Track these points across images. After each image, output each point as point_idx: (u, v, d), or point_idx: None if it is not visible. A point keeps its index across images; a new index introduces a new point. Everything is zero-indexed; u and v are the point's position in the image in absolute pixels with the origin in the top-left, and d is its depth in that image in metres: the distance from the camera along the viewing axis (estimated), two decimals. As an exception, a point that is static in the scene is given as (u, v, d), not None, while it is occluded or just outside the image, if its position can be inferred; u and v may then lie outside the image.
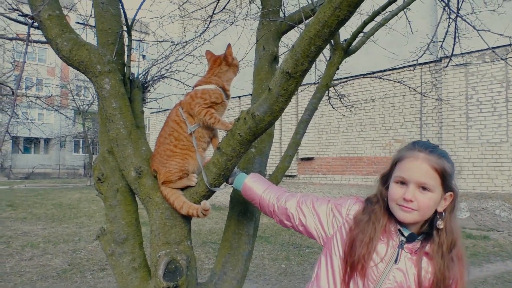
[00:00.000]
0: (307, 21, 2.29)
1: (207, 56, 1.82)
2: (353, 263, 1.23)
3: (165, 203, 1.70)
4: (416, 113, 10.16)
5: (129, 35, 1.87)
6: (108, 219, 1.85)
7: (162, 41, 2.61)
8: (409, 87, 3.79)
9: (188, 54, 2.58)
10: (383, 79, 3.27)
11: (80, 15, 2.49)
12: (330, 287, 1.28)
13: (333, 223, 1.36)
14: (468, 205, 8.98)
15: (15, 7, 1.86)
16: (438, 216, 1.22)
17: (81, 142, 35.22)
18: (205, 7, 3.31)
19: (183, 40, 2.82)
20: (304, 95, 12.02)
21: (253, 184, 1.57)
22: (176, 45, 2.60)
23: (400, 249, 1.22)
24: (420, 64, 8.56)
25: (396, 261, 1.21)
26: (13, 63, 6.51)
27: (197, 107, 1.64)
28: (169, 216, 1.71)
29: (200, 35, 2.78)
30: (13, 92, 5.49)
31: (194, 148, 1.68)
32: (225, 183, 1.71)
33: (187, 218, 1.75)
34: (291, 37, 2.86)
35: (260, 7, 2.49)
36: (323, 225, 1.37)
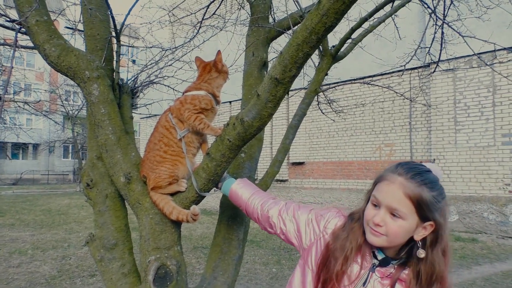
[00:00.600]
0: (296, 27, 2.31)
1: (196, 63, 1.83)
2: (325, 280, 1.19)
3: (154, 209, 1.70)
4: (405, 117, 10.27)
5: (118, 41, 1.88)
6: (97, 225, 1.84)
7: (151, 47, 2.61)
8: (397, 93, 3.84)
9: (177, 60, 2.59)
10: (371, 84, 3.31)
11: (69, 20, 2.48)
12: None
13: (311, 235, 1.32)
14: (457, 208, 9.07)
15: (2, 12, 1.85)
16: (418, 245, 1.14)
17: (70, 147, 34.86)
18: (194, 13, 3.32)
19: (173, 45, 2.83)
20: (294, 100, 12.07)
21: (240, 190, 1.57)
22: (165, 50, 2.60)
23: (371, 272, 1.17)
24: (408, 69, 8.66)
25: (364, 283, 1.16)
26: (0, 68, 6.44)
27: (187, 112, 1.65)
28: (159, 222, 1.71)
29: (189, 41, 2.79)
30: (1, 98, 5.43)
31: (183, 154, 1.69)
32: (214, 188, 1.71)
33: (177, 224, 1.75)
34: (280, 43, 2.88)
35: (250, 13, 2.51)
36: (301, 234, 1.35)
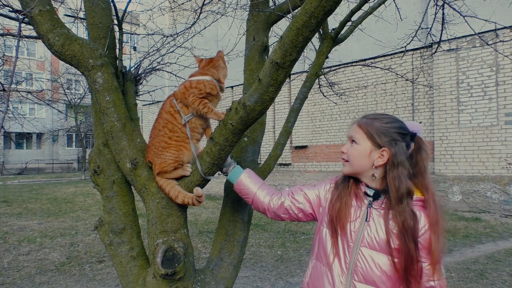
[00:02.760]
0: (295, 11, 2.32)
1: (197, 62, 1.85)
2: (334, 221, 1.43)
3: (161, 193, 1.75)
4: (408, 98, 10.24)
5: (120, 28, 1.90)
6: (106, 210, 1.89)
7: (153, 34, 2.62)
8: (397, 74, 3.84)
9: (179, 46, 2.60)
10: (373, 66, 3.31)
11: (70, 9, 2.49)
12: (322, 254, 1.47)
13: (321, 201, 1.56)
14: (460, 188, 9.12)
15: (5, 3, 1.87)
16: (374, 168, 1.41)
17: (74, 136, 35.03)
18: (195, -2, 3.32)
19: (174, 32, 2.84)
20: (297, 84, 12.04)
21: (248, 181, 1.64)
22: (167, 37, 2.61)
23: (369, 208, 1.41)
24: (410, 50, 8.60)
25: (366, 219, 1.39)
26: (2, 58, 6.45)
27: (191, 96, 1.68)
28: (165, 206, 1.75)
29: (190, 27, 2.80)
30: (4, 88, 5.46)
31: (188, 139, 1.72)
32: (219, 172, 1.75)
33: (183, 207, 1.80)
34: (281, 27, 2.89)
35: (249, -3, 2.51)
36: (313, 205, 1.57)
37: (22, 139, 33.95)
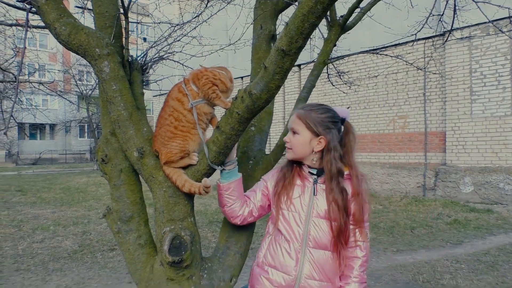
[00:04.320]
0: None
1: None
2: (282, 197, 1.67)
3: (168, 182, 1.75)
4: (419, 88, 10.11)
5: (126, 17, 1.89)
6: (113, 198, 1.90)
7: (160, 23, 2.61)
8: (408, 62, 3.77)
9: (185, 35, 2.58)
10: (380, 54, 3.26)
11: (78, -1, 2.49)
12: (277, 229, 1.68)
13: (269, 191, 1.77)
14: (472, 179, 9.01)
15: (12, -8, 1.88)
16: (320, 156, 1.65)
17: (86, 127, 35.40)
18: (202, -13, 3.29)
19: (181, 21, 2.82)
20: (306, 74, 11.95)
21: (239, 187, 1.76)
22: (174, 26, 2.60)
23: (315, 184, 1.66)
24: (422, 39, 8.45)
25: (314, 193, 1.65)
26: (14, 49, 6.52)
27: (204, 78, 1.69)
28: (172, 194, 1.76)
29: (198, 16, 2.78)
30: (15, 78, 5.52)
31: (193, 129, 1.71)
32: (222, 166, 1.75)
33: (190, 196, 1.80)
34: (289, 15, 2.85)
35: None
36: (269, 196, 1.77)
37: (36, 130, 34.44)
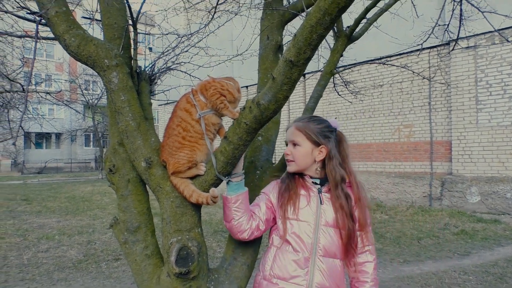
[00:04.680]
0: (309, 9, 2.29)
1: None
2: (288, 209, 1.67)
3: (175, 192, 1.75)
4: (425, 97, 10.09)
5: (135, 29, 1.91)
6: (121, 208, 1.90)
7: (167, 34, 2.63)
8: (414, 72, 3.77)
9: (193, 46, 2.60)
10: (387, 64, 3.26)
11: (86, 10, 2.52)
12: (285, 241, 1.67)
13: (272, 203, 1.76)
14: (479, 189, 8.94)
15: (23, 5, 1.90)
16: (321, 165, 1.70)
17: (91, 136, 35.59)
18: (209, -2, 3.32)
19: (189, 32, 2.84)
20: (311, 83, 11.99)
21: (246, 200, 1.72)
22: (181, 37, 2.62)
23: (320, 194, 1.69)
24: (427, 48, 8.46)
25: (321, 202, 1.67)
26: (22, 59, 6.58)
27: (212, 89, 1.69)
28: (180, 205, 1.75)
29: (205, 27, 2.80)
30: (23, 88, 5.57)
31: (201, 140, 1.72)
32: (228, 178, 1.73)
33: (197, 206, 1.80)
34: (295, 25, 2.87)
35: (263, -4, 2.50)
36: (273, 209, 1.75)
37: (42, 139, 34.66)
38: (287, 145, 1.76)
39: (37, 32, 1.69)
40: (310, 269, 1.62)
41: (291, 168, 1.72)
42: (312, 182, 1.71)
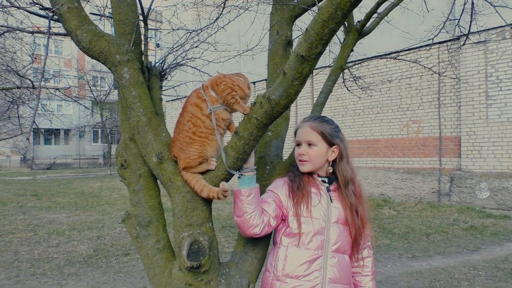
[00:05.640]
0: (320, 3, 2.28)
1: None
2: (301, 207, 1.68)
3: (186, 187, 1.76)
4: (434, 93, 10.01)
5: (146, 24, 1.92)
6: (132, 203, 1.92)
7: (177, 29, 2.64)
8: (425, 67, 3.74)
9: (203, 41, 2.61)
10: (398, 59, 3.24)
11: (96, 6, 2.53)
12: (298, 239, 1.68)
13: (281, 200, 1.75)
14: (488, 185, 8.87)
15: (36, 1, 1.92)
16: (329, 164, 1.75)
17: (99, 132, 35.82)
18: (218, -6, 3.32)
19: (197, 27, 2.85)
20: (319, 79, 11.93)
21: (258, 194, 1.71)
22: (191, 32, 2.63)
23: (329, 192, 1.73)
24: (437, 43, 8.39)
25: (331, 200, 1.71)
26: (31, 55, 6.64)
27: (223, 84, 1.69)
28: (191, 199, 1.76)
29: (214, 22, 2.80)
30: (33, 84, 5.61)
31: (211, 135, 1.72)
32: (239, 172, 1.73)
33: (208, 201, 1.81)
34: (304, 20, 2.85)
35: (273, -9, 2.49)
36: (282, 207, 1.74)
37: (51, 135, 34.94)
38: (298, 145, 1.77)
39: (50, 27, 1.70)
40: (323, 266, 1.65)
41: (305, 168, 1.74)
42: (322, 180, 1.76)
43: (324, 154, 1.72)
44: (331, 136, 1.72)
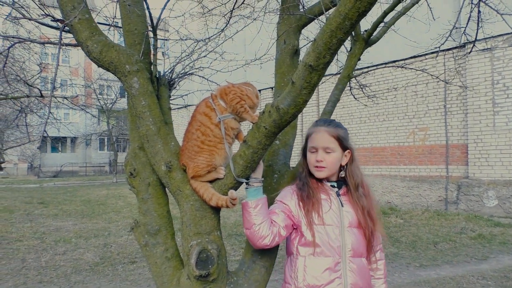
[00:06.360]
0: (327, 12, 2.30)
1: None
2: (313, 215, 1.67)
3: (195, 195, 1.77)
4: (440, 100, 9.98)
5: (155, 34, 1.94)
6: (141, 211, 1.93)
7: (185, 39, 2.67)
8: (432, 75, 3.74)
9: (211, 51, 2.63)
10: (405, 68, 3.25)
11: (106, 17, 2.57)
12: (315, 248, 1.66)
13: (291, 210, 1.73)
14: (496, 193, 8.79)
15: (48, 13, 1.95)
16: (342, 169, 1.76)
17: (106, 140, 35.99)
18: (224, 4, 3.35)
19: (204, 36, 2.88)
20: (325, 87, 11.96)
21: (266, 205, 1.71)
22: (198, 42, 2.65)
23: (339, 197, 1.73)
24: (443, 50, 8.38)
25: (342, 205, 1.71)
26: (40, 65, 6.72)
27: (232, 94, 1.71)
28: (199, 208, 1.77)
29: (221, 31, 2.83)
30: (41, 93, 5.68)
31: (220, 144, 1.73)
32: (246, 183, 1.74)
33: (216, 209, 1.82)
34: (311, 30, 2.87)
35: (280, 1, 2.52)
36: (292, 216, 1.72)
37: (57, 143, 35.17)
38: (313, 151, 1.73)
39: (61, 38, 1.73)
40: (342, 272, 1.65)
41: (322, 174, 1.72)
42: (331, 185, 1.75)
43: (340, 160, 1.73)
44: (346, 140, 1.73)
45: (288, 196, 1.76)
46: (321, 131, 1.72)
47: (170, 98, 2.16)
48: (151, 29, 1.97)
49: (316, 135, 1.73)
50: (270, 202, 1.83)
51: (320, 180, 1.75)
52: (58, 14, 1.94)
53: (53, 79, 1.73)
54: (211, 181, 1.77)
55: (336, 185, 1.76)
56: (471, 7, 3.28)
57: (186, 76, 2.29)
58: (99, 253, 6.37)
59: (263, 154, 1.69)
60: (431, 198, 10.02)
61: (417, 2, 2.50)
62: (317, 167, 1.72)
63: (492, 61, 8.90)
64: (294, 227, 1.74)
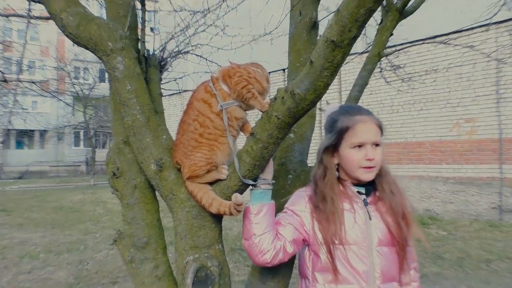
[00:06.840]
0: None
1: None
2: (328, 226, 1.59)
3: (191, 200, 1.77)
4: (491, 85, 9.90)
5: (143, 5, 1.95)
6: (126, 220, 1.94)
7: (179, 11, 2.67)
8: (482, 53, 3.72)
9: (210, 25, 2.63)
10: (447, 44, 3.23)
11: (83, -17, 2.58)
12: (337, 274, 1.59)
13: (303, 222, 1.68)
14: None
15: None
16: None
17: (82, 133, 36.13)
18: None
19: (203, 8, 2.88)
20: (348, 68, 11.90)
21: (273, 211, 1.68)
22: (194, 13, 2.66)
23: (366, 207, 1.65)
24: (495, 23, 8.31)
25: (370, 218, 1.63)
26: (2, 43, 6.74)
27: (237, 76, 1.70)
28: (197, 215, 1.78)
29: (223, 1, 2.83)
30: (4, 78, 5.71)
31: (222, 137, 1.73)
32: (255, 183, 1.73)
33: (218, 218, 1.82)
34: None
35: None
36: (303, 229, 1.67)
37: (23, 137, 35.33)
38: (357, 147, 1.64)
39: (29, 10, 1.75)
40: None
41: (372, 175, 1.65)
42: (357, 191, 1.68)
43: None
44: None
45: (301, 203, 1.71)
46: (369, 122, 1.64)
47: (161, 82, 2.18)
48: (138, -2, 1.97)
49: (363, 127, 1.63)
50: (281, 208, 1.81)
51: (342, 182, 1.69)
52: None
53: (19, 60, 1.75)
54: (211, 183, 1.77)
55: (363, 191, 1.67)
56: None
57: (180, 55, 2.29)
58: (73, 272, 6.42)
59: (274, 150, 1.68)
60: (482, 205, 9.97)
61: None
62: (367, 167, 1.62)
63: (556, 36, 8.81)
64: (306, 243, 1.69)
